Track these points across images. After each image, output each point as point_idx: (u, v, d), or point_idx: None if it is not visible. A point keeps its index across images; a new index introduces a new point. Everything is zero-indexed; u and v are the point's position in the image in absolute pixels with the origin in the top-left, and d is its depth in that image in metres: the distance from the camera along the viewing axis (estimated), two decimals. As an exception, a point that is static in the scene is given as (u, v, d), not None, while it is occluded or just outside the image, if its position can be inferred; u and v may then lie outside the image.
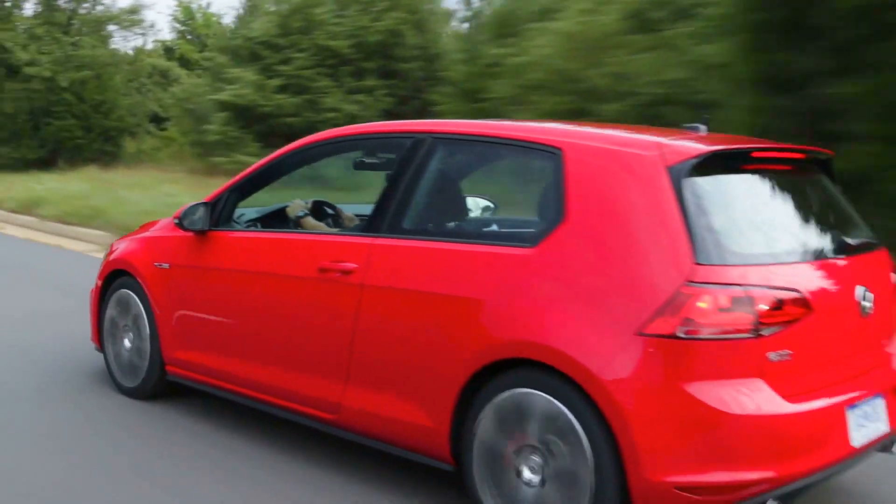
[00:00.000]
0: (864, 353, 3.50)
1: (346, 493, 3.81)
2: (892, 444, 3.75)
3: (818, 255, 3.38)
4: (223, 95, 21.25)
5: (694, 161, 3.19)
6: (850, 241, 3.54)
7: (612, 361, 3.06)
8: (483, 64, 15.10)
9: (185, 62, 34.50)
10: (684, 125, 3.77)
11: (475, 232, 3.81)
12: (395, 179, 3.89)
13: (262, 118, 20.82)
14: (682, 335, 2.99)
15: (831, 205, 3.74)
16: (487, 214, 5.22)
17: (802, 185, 3.69)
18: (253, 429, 4.55)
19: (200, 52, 34.07)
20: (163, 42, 35.68)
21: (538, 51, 13.01)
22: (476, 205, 5.32)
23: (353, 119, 18.41)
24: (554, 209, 3.39)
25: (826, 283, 3.32)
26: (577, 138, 3.48)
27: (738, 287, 3.01)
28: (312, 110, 20.03)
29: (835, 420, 3.21)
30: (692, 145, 3.27)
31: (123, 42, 29.90)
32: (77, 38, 27.02)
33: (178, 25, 37.13)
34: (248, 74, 21.15)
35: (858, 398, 3.34)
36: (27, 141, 25.54)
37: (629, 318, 3.07)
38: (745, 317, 3.00)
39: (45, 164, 24.65)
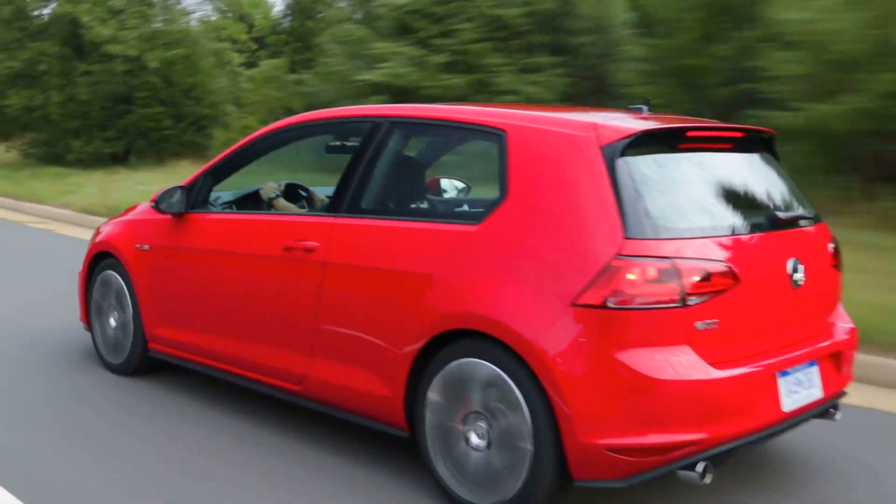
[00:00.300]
0: (798, 322, 3.65)
1: (332, 467, 4.02)
2: (834, 411, 3.93)
3: (749, 230, 3.53)
4: (374, 76, 16.68)
5: (626, 141, 3.35)
6: (785, 215, 3.69)
7: (547, 331, 3.24)
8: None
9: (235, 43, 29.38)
10: (629, 106, 3.93)
11: (427, 211, 3.99)
12: (355, 162, 4.07)
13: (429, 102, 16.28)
14: (612, 305, 3.16)
15: (770, 181, 3.89)
16: (461, 195, 5.40)
17: (741, 162, 3.85)
18: (233, 403, 4.76)
19: (248, 32, 31.35)
20: (210, 20, 31.20)
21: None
22: (452, 186, 5.50)
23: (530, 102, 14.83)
24: (498, 188, 3.56)
25: (756, 256, 3.47)
26: (520, 120, 3.64)
27: (665, 259, 3.18)
28: (485, 92, 16.57)
29: (764, 386, 3.38)
30: (625, 126, 3.43)
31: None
32: (164, 9, 22.01)
33: (220, 5, 33.32)
34: (408, 49, 16.71)
35: (789, 365, 3.51)
36: (100, 133, 20.78)
37: (564, 290, 3.24)
38: (671, 287, 3.17)
39: (119, 159, 20.57)
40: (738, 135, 3.87)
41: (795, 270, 3.55)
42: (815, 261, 3.75)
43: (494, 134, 3.65)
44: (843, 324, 3.97)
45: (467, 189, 5.47)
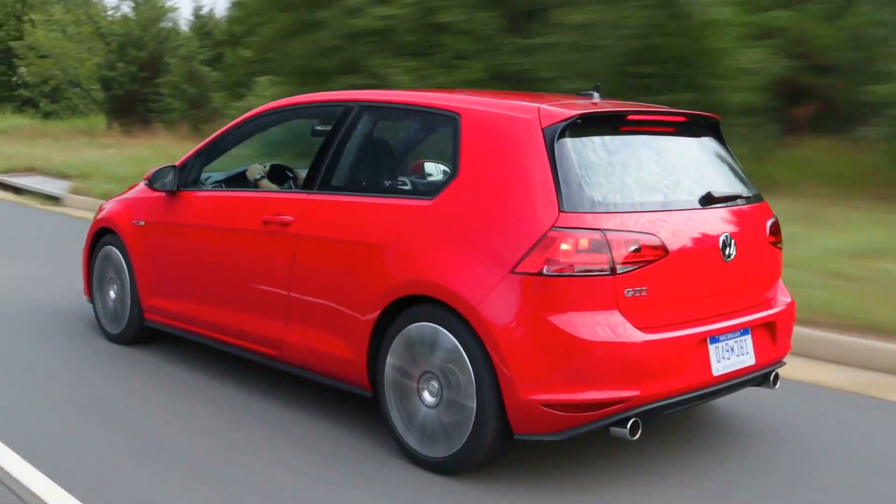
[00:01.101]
0: (730, 293, 3.92)
1: (299, 424, 4.35)
2: (774, 379, 4.20)
3: (683, 206, 3.80)
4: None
5: (565, 123, 3.63)
6: (719, 194, 3.94)
7: (489, 296, 3.54)
8: None
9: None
10: (580, 91, 4.21)
11: (389, 187, 4.29)
12: (328, 142, 4.39)
13: None
14: (547, 272, 3.45)
15: (709, 162, 4.16)
16: (443, 177, 5.68)
17: (682, 145, 4.12)
18: (219, 367, 5.11)
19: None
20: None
21: None
22: (437, 169, 5.80)
23: None
24: (451, 166, 3.86)
25: (687, 231, 3.74)
26: (473, 104, 3.94)
27: (596, 231, 3.47)
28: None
29: (693, 350, 3.65)
30: (566, 110, 3.71)
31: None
32: None
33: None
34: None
35: (720, 332, 3.78)
36: None
37: (505, 259, 3.54)
38: (601, 257, 3.45)
39: None
40: (682, 119, 4.14)
41: (727, 245, 3.82)
42: (750, 237, 4.01)
43: (450, 117, 3.95)
44: (781, 297, 4.24)
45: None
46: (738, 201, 4.07)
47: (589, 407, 3.48)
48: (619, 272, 3.48)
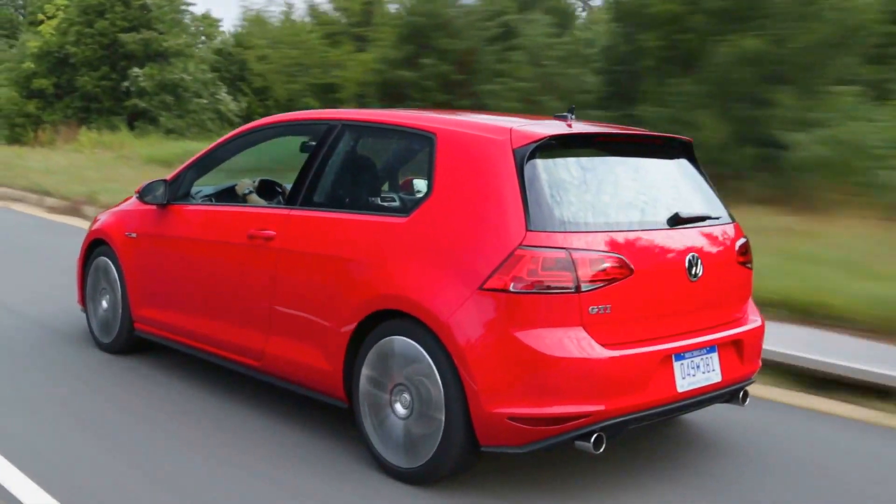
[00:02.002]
0: (696, 312, 4.01)
1: (277, 434, 4.46)
2: (744, 397, 4.29)
3: (651, 226, 3.90)
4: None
5: (535, 144, 3.75)
6: (686, 215, 4.04)
7: (458, 312, 3.65)
8: None
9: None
10: (555, 113, 4.32)
11: (368, 204, 4.41)
12: (311, 159, 4.51)
13: None
14: (514, 289, 3.56)
15: (680, 184, 4.27)
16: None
17: (653, 166, 4.22)
18: (208, 378, 5.22)
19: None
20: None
21: None
22: (426, 186, 5.92)
23: None
24: (427, 184, 3.98)
25: (653, 250, 3.84)
26: (448, 125, 4.06)
27: (562, 250, 3.57)
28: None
29: (657, 367, 3.75)
30: (537, 131, 3.83)
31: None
32: None
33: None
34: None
35: (686, 349, 3.88)
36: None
37: (474, 276, 3.65)
38: (566, 275, 3.56)
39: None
40: (655, 141, 4.24)
41: (693, 265, 3.92)
42: (718, 257, 4.11)
43: (426, 137, 4.07)
44: (750, 316, 4.33)
45: None
46: (707, 222, 4.17)
47: (553, 421, 3.58)
48: (583, 290, 3.58)
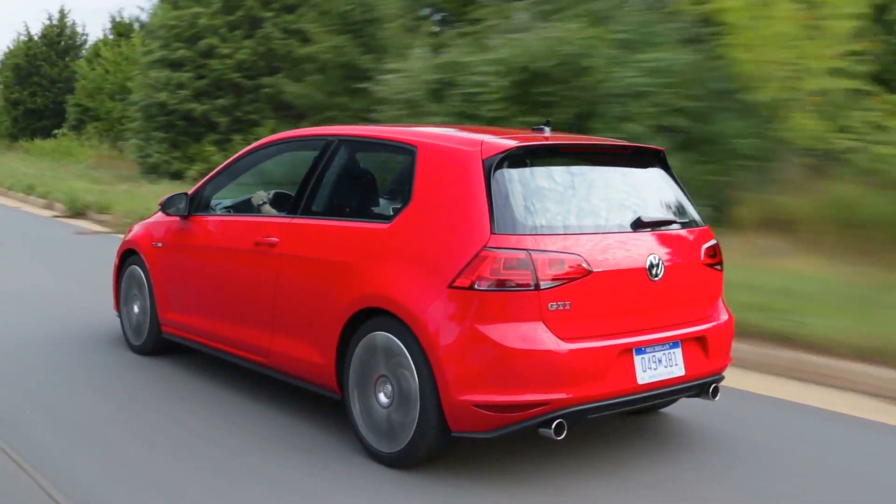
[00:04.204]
0: (658, 309, 4.28)
1: (272, 421, 4.85)
2: (714, 391, 4.54)
3: (613, 229, 4.20)
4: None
5: (503, 154, 4.09)
6: (652, 218, 4.33)
7: (429, 308, 3.99)
8: None
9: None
10: (532, 126, 4.65)
11: (357, 211, 4.79)
12: (310, 171, 4.92)
13: None
14: (478, 287, 3.89)
15: (649, 190, 4.55)
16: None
17: (624, 174, 4.52)
18: (230, 377, 5.65)
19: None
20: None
21: None
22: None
23: None
24: (407, 193, 4.34)
25: (614, 251, 4.13)
26: (428, 138, 4.43)
27: (522, 251, 3.90)
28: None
29: (615, 359, 4.03)
30: (506, 142, 4.17)
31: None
32: None
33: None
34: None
35: (646, 344, 4.16)
36: None
37: (445, 275, 3.99)
38: (526, 274, 3.88)
39: None
40: (624, 151, 4.54)
41: (654, 266, 4.20)
42: (682, 259, 4.39)
43: (409, 150, 4.44)
44: (718, 314, 4.59)
45: None
46: (673, 226, 4.44)
47: (516, 408, 3.89)
48: (542, 288, 3.89)
